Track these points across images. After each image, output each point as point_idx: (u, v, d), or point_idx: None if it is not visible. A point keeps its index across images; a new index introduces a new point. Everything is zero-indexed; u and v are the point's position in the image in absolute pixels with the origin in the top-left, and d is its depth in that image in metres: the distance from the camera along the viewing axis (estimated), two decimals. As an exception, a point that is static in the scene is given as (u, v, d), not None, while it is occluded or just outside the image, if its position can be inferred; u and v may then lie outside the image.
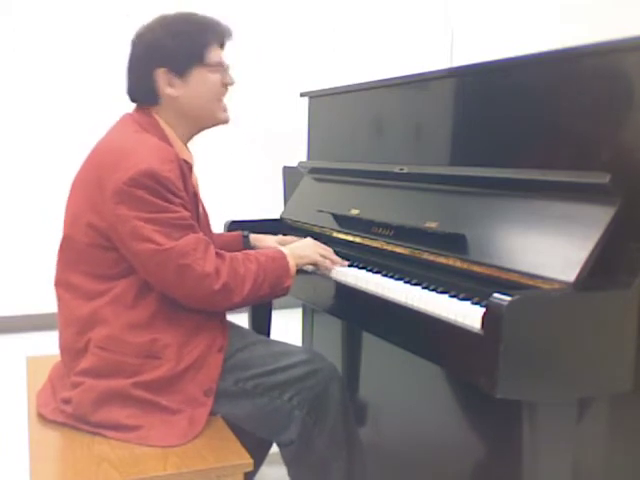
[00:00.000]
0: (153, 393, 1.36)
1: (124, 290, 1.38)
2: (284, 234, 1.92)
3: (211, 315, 1.45)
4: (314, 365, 1.47)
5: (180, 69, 1.43)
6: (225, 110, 1.52)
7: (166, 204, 1.33)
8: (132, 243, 1.32)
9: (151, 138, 1.41)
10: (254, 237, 1.84)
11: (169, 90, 1.44)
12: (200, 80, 1.45)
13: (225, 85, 1.50)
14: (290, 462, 1.48)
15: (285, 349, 1.51)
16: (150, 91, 1.45)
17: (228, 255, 1.41)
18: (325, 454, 1.45)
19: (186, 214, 1.36)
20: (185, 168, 1.42)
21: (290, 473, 1.50)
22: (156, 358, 1.38)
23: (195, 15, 1.48)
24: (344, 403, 1.49)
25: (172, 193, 1.34)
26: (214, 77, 1.48)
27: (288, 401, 1.43)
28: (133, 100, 1.50)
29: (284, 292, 1.50)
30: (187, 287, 1.35)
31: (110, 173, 1.34)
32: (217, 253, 1.39)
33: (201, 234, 1.39)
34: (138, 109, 1.49)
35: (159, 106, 1.47)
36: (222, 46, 1.51)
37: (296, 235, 1.92)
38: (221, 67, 1.49)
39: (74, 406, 1.38)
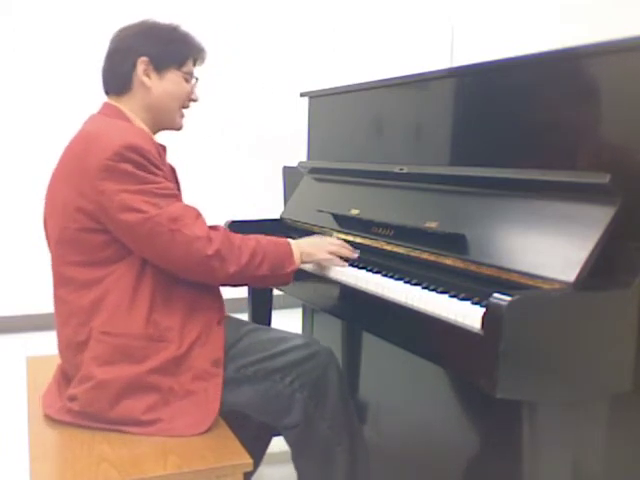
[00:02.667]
0: (166, 377, 1.38)
1: (121, 276, 1.39)
2: (282, 234, 1.92)
3: (205, 293, 1.47)
4: (312, 348, 1.50)
5: (160, 64, 1.51)
6: (182, 117, 1.60)
7: (150, 176, 1.37)
8: (121, 216, 1.34)
9: (122, 122, 1.47)
10: None
11: (144, 79, 1.50)
12: (173, 81, 1.54)
13: (190, 98, 1.59)
14: (294, 446, 1.50)
15: (282, 335, 1.54)
16: (126, 77, 1.51)
17: (223, 227, 1.45)
18: (328, 437, 1.47)
19: (170, 185, 1.41)
20: (160, 149, 1.47)
21: (294, 458, 1.52)
22: (160, 341, 1.40)
23: (179, 27, 1.57)
24: (342, 386, 1.52)
25: (154, 165, 1.38)
26: (185, 85, 1.56)
27: (289, 384, 1.45)
28: (105, 89, 1.56)
29: (287, 278, 1.51)
30: (179, 253, 1.36)
31: (90, 154, 1.37)
32: (213, 226, 1.43)
33: (186, 203, 1.42)
34: (104, 106, 1.54)
35: (128, 95, 1.52)
36: (195, 64, 1.59)
37: (296, 235, 1.92)
38: (193, 78, 1.58)
39: (87, 403, 1.38)
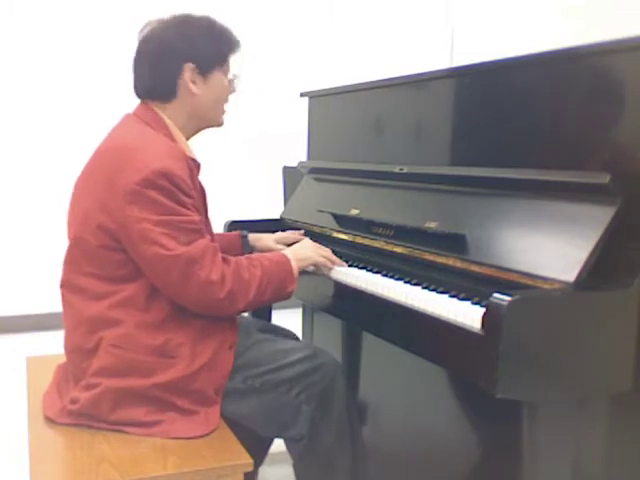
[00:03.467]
0: (170, 394, 1.37)
1: (135, 293, 1.38)
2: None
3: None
4: (318, 360, 1.48)
5: (205, 69, 1.47)
6: (224, 113, 1.56)
7: (177, 207, 1.33)
8: (140, 245, 1.32)
9: (158, 136, 1.41)
10: (253, 237, 1.85)
11: (191, 86, 1.46)
12: (218, 82, 1.50)
13: (231, 92, 1.55)
14: (298, 458, 1.49)
15: (290, 345, 1.53)
16: (171, 85, 1.45)
17: (233, 260, 1.41)
18: (332, 449, 1.46)
19: (196, 218, 1.36)
20: (193, 166, 1.43)
21: (296, 469, 1.51)
22: (170, 357, 1.38)
23: (215, 21, 1.51)
24: (348, 397, 1.51)
25: (184, 193, 1.34)
26: (227, 82, 1.53)
27: (296, 397, 1.44)
28: (144, 95, 1.48)
29: (287, 296, 1.50)
30: (192, 294, 1.35)
31: (121, 173, 1.33)
32: (223, 258, 1.39)
33: (209, 238, 1.39)
34: (141, 107, 1.48)
35: (172, 102, 1.47)
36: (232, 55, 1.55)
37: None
38: (232, 74, 1.54)
39: (88, 406, 1.38)
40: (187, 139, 1.53)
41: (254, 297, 1.41)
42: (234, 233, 1.86)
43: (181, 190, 1.33)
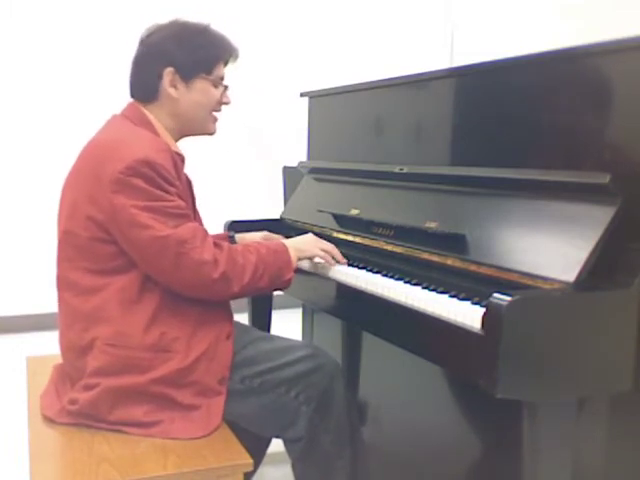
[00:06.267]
0: (169, 388, 1.37)
1: (126, 285, 1.38)
2: (282, 234, 1.91)
3: (215, 304, 1.46)
4: (318, 360, 1.48)
5: (187, 74, 1.48)
6: (215, 122, 1.58)
7: (161, 192, 1.35)
8: (131, 232, 1.33)
9: (143, 131, 1.45)
10: (239, 236, 1.87)
11: (171, 90, 1.48)
12: (202, 90, 1.51)
13: (221, 103, 1.56)
14: (296, 459, 1.49)
15: (288, 344, 1.53)
16: (152, 87, 1.49)
17: (227, 245, 1.43)
18: (330, 450, 1.46)
19: (182, 203, 1.39)
20: (177, 159, 1.45)
21: (295, 469, 1.51)
22: (166, 352, 1.38)
23: (210, 28, 1.53)
24: (348, 398, 1.51)
25: (167, 181, 1.36)
26: (214, 91, 1.53)
27: (295, 397, 1.44)
28: (131, 94, 1.54)
29: (285, 285, 1.50)
30: (185, 276, 1.36)
31: (106, 164, 1.35)
32: (215, 243, 1.40)
33: (197, 224, 1.41)
34: (128, 107, 1.52)
35: (155, 103, 1.50)
36: (226, 64, 1.57)
37: (295, 235, 1.92)
38: (222, 84, 1.55)
39: (87, 406, 1.38)
40: (176, 139, 1.55)
41: (249, 281, 1.41)
42: (221, 233, 1.88)
43: (164, 178, 1.36)
